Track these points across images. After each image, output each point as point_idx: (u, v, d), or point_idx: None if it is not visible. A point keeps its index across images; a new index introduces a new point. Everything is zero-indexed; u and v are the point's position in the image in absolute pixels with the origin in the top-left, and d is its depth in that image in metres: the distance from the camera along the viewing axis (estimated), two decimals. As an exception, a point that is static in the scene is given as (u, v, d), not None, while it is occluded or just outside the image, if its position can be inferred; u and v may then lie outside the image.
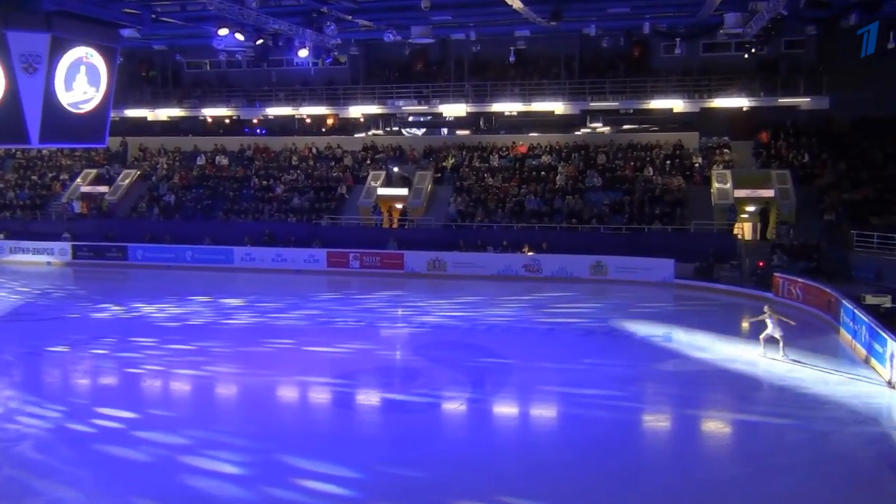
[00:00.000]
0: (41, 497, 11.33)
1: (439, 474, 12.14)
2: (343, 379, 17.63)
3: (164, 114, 41.24)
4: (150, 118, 41.33)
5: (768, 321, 17.75)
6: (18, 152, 43.39)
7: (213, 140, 42.33)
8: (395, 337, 22.86)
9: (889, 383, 15.93)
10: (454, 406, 15.98)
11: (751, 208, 32.23)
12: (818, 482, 11.76)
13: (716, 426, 14.96)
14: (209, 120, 42.74)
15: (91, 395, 17.16)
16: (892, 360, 15.89)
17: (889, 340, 16.15)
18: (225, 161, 40.61)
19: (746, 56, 31.79)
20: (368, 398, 17.09)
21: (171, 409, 15.93)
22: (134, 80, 41.56)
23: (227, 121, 43.07)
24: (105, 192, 39.54)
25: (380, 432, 14.80)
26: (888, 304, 20.29)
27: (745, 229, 31.96)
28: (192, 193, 38.57)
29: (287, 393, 17.28)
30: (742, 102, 33.97)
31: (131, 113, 40.47)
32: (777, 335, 17.67)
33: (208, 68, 42.82)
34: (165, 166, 41.11)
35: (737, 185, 31.60)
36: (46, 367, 19.23)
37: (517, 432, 14.74)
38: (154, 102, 41.16)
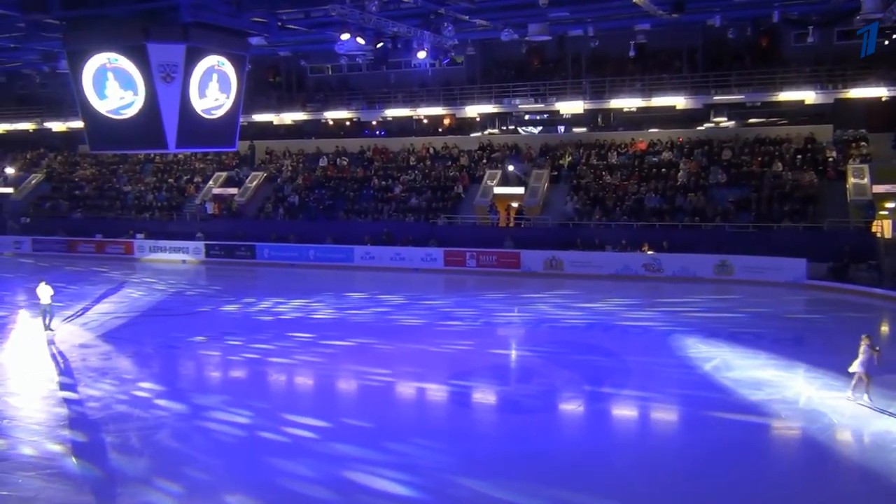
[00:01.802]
0: (183, 481, 11.97)
1: (557, 473, 12.02)
2: (459, 378, 17.74)
3: (288, 118, 42.73)
4: (275, 122, 42.95)
5: (861, 353, 14.63)
6: (157, 157, 46.12)
7: (334, 142, 43.61)
8: (512, 336, 22.81)
9: None
10: (573, 407, 15.78)
11: (891, 204, 30.22)
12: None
13: (849, 437, 14.10)
14: (331, 122, 43.99)
15: (224, 388, 17.99)
16: None
17: None
18: (346, 162, 41.73)
19: (886, 42, 29.76)
20: (485, 396, 17.12)
21: (300, 403, 16.51)
22: (261, 85, 43.34)
23: (348, 123, 44.20)
24: (234, 194, 41.45)
25: (492, 430, 14.81)
26: None
27: (884, 226, 29.95)
28: (315, 194, 39.84)
29: (404, 389, 17.57)
30: (880, 92, 31.78)
31: (258, 117, 42.21)
32: (861, 371, 14.56)
33: (330, 72, 44.08)
34: (290, 168, 42.65)
35: (875, 180, 29.74)
36: (183, 360, 20.32)
37: (637, 435, 14.40)
38: (279, 107, 42.72)
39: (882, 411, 14.30)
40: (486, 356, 19.89)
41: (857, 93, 32.05)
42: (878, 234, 28.80)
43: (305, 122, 43.42)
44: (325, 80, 44.14)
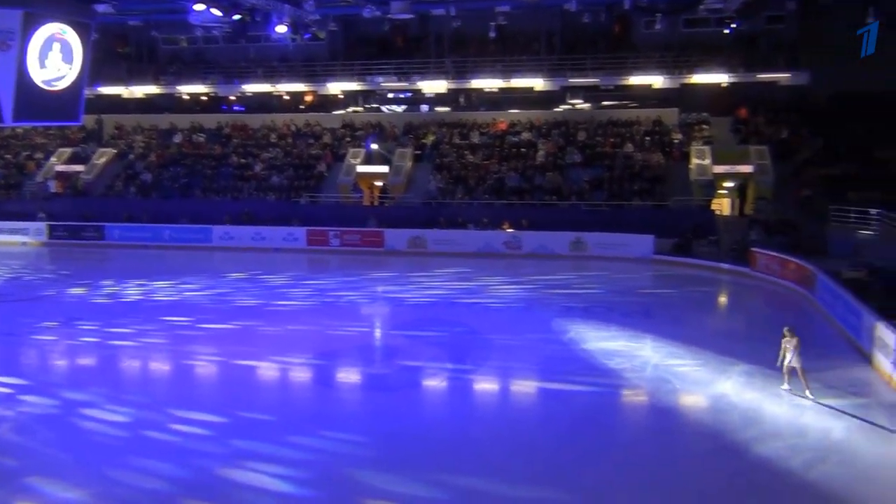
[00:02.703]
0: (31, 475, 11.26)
1: (420, 450, 12.18)
2: (323, 358, 17.59)
3: (139, 91, 40.70)
4: (125, 95, 40.79)
5: (788, 349, 14.28)
6: (-9, 131, 42.72)
7: (189, 118, 41.86)
8: (375, 314, 22.83)
9: (866, 356, 16.15)
10: (435, 382, 16.01)
11: (729, 184, 32.42)
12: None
13: (692, 400, 15.10)
14: (186, 97, 42.20)
15: (70, 377, 17.00)
16: (869, 334, 16.10)
17: (865, 314, 16.36)
18: (202, 139, 40.20)
19: (727, 31, 31.80)
20: (349, 376, 17.07)
21: (139, 389, 15.86)
22: (108, 56, 40.84)
23: (204, 98, 42.56)
24: (80, 171, 39.05)
25: (359, 409, 14.82)
26: (865, 278, 20.53)
27: (723, 205, 32.18)
28: (170, 172, 38.17)
29: (266, 372, 17.23)
30: (722, 78, 34.03)
31: (106, 90, 39.87)
32: (797, 365, 14.20)
33: (185, 45, 42.24)
34: (142, 144, 40.64)
35: (716, 161, 31.77)
36: (21, 349, 19.00)
37: (500, 408, 14.81)
38: (129, 79, 40.57)
39: (721, 372, 15.38)
40: (350, 336, 19.79)
41: (700, 78, 34.12)
42: (718, 212, 30.88)
43: (158, 96, 41.46)
44: (179, 53, 42.24)
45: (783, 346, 14.25)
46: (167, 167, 38.57)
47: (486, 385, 15.96)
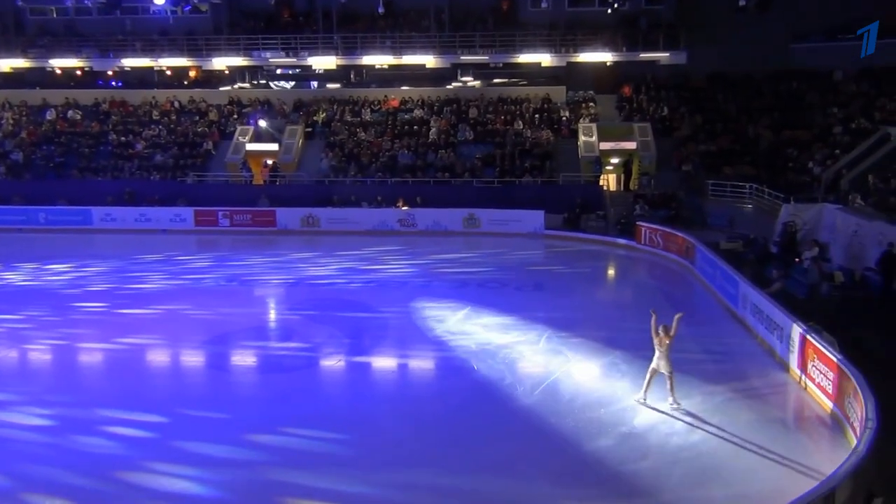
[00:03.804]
0: None
1: (321, 430, 12.13)
2: (215, 344, 17.17)
3: (5, 64, 38.14)
4: (-10, 69, 38.15)
5: (660, 349, 12.56)
6: None
7: (63, 93, 39.48)
8: (269, 296, 22.45)
9: (739, 320, 17.16)
10: (333, 362, 15.93)
11: (615, 160, 33.46)
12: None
13: (585, 367, 15.62)
14: (58, 71, 39.79)
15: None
16: (744, 301, 17.10)
17: (740, 282, 17.36)
18: (78, 116, 38.07)
19: (609, 11, 32.68)
20: (244, 358, 16.74)
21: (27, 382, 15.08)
22: (-31, 27, 38.09)
23: (79, 72, 40.27)
24: (-58, 150, 36.29)
25: (258, 392, 14.59)
26: (740, 249, 21.75)
27: (609, 180, 33.19)
28: (43, 151, 36.01)
29: (158, 357, 16.67)
30: (606, 57, 34.97)
31: (-32, 63, 37.19)
32: (665, 370, 12.55)
33: (55, 15, 39.77)
34: (11, 121, 38.10)
35: (602, 138, 32.68)
36: None
37: (395, 385, 14.91)
38: (-6, 52, 37.93)
39: (609, 342, 15.96)
40: (244, 317, 19.39)
41: (585, 57, 34.95)
42: (605, 187, 31.87)
43: (27, 70, 38.94)
44: (48, 24, 39.74)
45: (656, 343, 12.59)
46: (40, 146, 36.36)
47: (382, 363, 16.00)
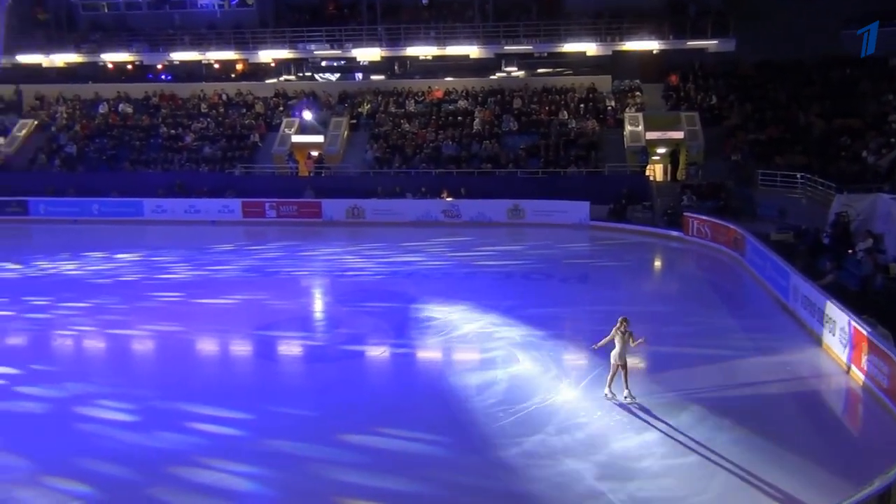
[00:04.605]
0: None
1: (367, 418, 12.23)
2: (264, 330, 17.41)
3: (59, 59, 39.10)
4: (45, 64, 39.14)
5: (617, 340, 12.40)
6: None
7: (115, 87, 40.38)
8: (316, 285, 22.68)
9: (787, 310, 16.83)
10: (378, 353, 16.04)
11: (662, 150, 33.01)
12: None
13: (631, 361, 15.47)
14: (110, 66, 40.67)
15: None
16: (795, 294, 16.76)
17: (792, 274, 17.01)
18: (129, 109, 38.87)
19: (657, -1, 32.19)
20: (289, 348, 16.96)
21: (69, 366, 15.49)
22: (25, 23, 39.03)
23: (130, 67, 41.10)
24: (0, 144, 37.38)
25: (304, 381, 14.78)
26: (791, 240, 21.29)
27: (656, 171, 32.78)
28: (96, 143, 36.89)
29: (202, 346, 16.99)
30: (652, 45, 34.49)
31: (24, 59, 38.19)
32: (622, 362, 12.42)
33: (106, 10, 40.61)
34: (65, 115, 39.09)
35: (648, 128, 32.26)
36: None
37: (440, 375, 14.93)
38: (48, 47, 38.89)
39: (655, 334, 15.74)
40: (290, 307, 19.64)
41: (631, 45, 34.51)
42: (651, 178, 31.46)
43: (80, 64, 39.90)
44: (100, 19, 40.63)
45: (615, 333, 12.35)
46: (93, 139, 37.24)
47: (427, 354, 16.06)
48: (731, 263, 22.69)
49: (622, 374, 12.54)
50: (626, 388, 12.61)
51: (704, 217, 25.59)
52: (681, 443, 11.18)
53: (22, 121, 38.64)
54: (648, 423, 11.84)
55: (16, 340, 17.38)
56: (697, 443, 11.15)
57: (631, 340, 12.34)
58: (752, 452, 10.79)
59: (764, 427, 11.58)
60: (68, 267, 24.29)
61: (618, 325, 12.41)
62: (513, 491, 10.00)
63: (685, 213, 26.56)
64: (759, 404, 12.63)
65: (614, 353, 12.46)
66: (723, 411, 12.13)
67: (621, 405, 12.44)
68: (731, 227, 23.44)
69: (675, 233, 26.61)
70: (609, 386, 12.74)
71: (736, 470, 10.34)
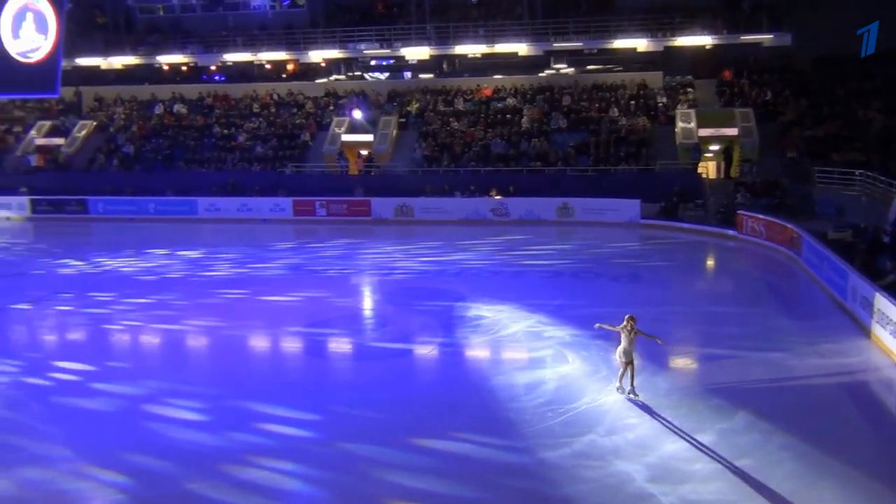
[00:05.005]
0: (18, 453, 11.23)
1: (412, 416, 12.28)
2: (313, 327, 17.62)
3: (117, 62, 40.14)
4: (103, 66, 40.22)
5: (623, 338, 12.50)
6: (-33, 105, 42.01)
7: (170, 88, 41.32)
8: (365, 284, 22.86)
9: (849, 315, 16.39)
10: (426, 351, 16.10)
11: (715, 147, 32.46)
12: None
13: (683, 362, 15.27)
14: (165, 67, 41.61)
15: (56, 351, 16.89)
16: (853, 294, 16.31)
17: (850, 274, 16.56)
18: (184, 110, 39.72)
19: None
20: (339, 345, 17.12)
21: (136, 362, 15.80)
22: (84, 27, 40.17)
23: (184, 68, 41.99)
24: (61, 145, 38.56)
25: (352, 378, 14.90)
26: (849, 239, 20.72)
27: (709, 168, 32.25)
28: (152, 143, 37.78)
29: (257, 342, 17.25)
30: (705, 40, 33.93)
31: (83, 61, 39.33)
32: (622, 361, 12.60)
33: (161, 13, 41.54)
34: (122, 116, 40.11)
35: (700, 124, 31.75)
36: (10, 325, 18.90)
37: (488, 374, 14.91)
38: (106, 50, 39.95)
39: (708, 335, 15.49)
40: (338, 305, 19.83)
41: (683, 41, 34.01)
42: (704, 175, 30.95)
43: (137, 66, 40.92)
44: (155, 22, 41.56)
45: (621, 330, 12.50)
46: (149, 139, 38.15)
47: (475, 353, 16.05)
48: (787, 263, 22.20)
49: (630, 371, 12.62)
50: (632, 385, 12.66)
51: (759, 215, 25.09)
52: (734, 446, 10.96)
53: (82, 122, 39.80)
54: (701, 425, 11.64)
55: (82, 336, 17.90)
56: (751, 446, 10.92)
57: (641, 336, 12.45)
58: (806, 458, 10.53)
59: (820, 432, 11.30)
60: (131, 263, 24.87)
61: (624, 322, 12.54)
62: (562, 492, 9.93)
63: (739, 212, 26.08)
64: (814, 408, 12.33)
65: (619, 350, 12.61)
66: (777, 415, 11.87)
67: (673, 405, 12.26)
68: (787, 225, 22.93)
69: (728, 231, 26.14)
70: (620, 381, 12.85)
71: (789, 475, 10.10)
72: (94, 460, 10.97)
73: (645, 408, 12.33)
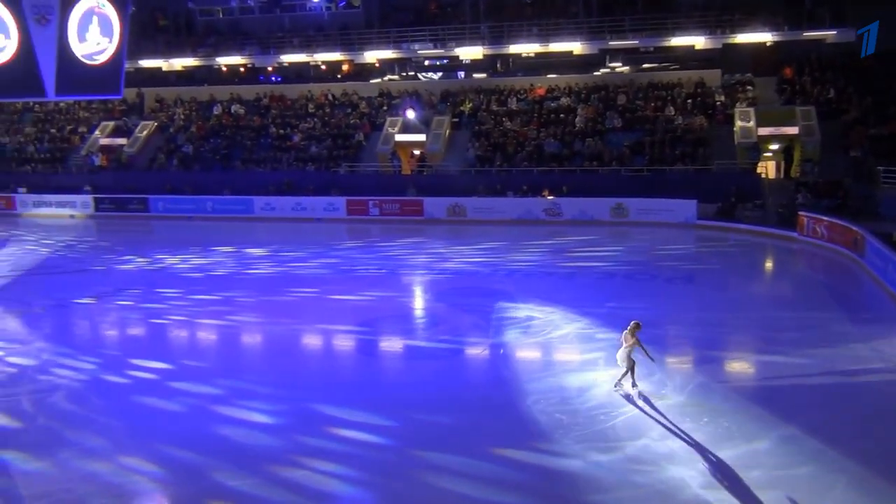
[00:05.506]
0: (75, 447, 11.57)
1: (465, 419, 12.27)
2: (366, 326, 17.76)
3: (178, 63, 41.04)
4: (164, 68, 41.18)
5: (624, 342, 12.92)
6: (36, 106, 43.41)
7: (228, 89, 42.07)
8: (417, 283, 22.94)
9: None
10: (477, 352, 16.08)
11: (774, 146, 31.68)
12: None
13: (740, 366, 14.95)
14: (224, 69, 42.42)
15: (122, 347, 17.36)
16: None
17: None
18: (241, 110, 40.41)
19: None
20: (392, 345, 17.22)
21: (201, 360, 16.13)
22: (146, 29, 41.21)
23: (242, 69, 42.72)
24: (123, 145, 39.60)
25: (404, 378, 14.96)
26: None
27: (768, 168, 31.49)
28: (210, 143, 38.53)
29: (312, 341, 17.46)
30: (765, 37, 33.10)
31: (146, 63, 40.33)
32: (624, 365, 12.94)
33: (221, 15, 42.34)
34: (182, 117, 41.01)
35: (760, 123, 31.01)
36: (76, 320, 19.51)
37: (540, 376, 14.82)
38: (168, 52, 40.88)
39: (766, 341, 15.12)
40: (391, 305, 19.94)
41: (743, 38, 33.25)
42: (763, 175, 30.25)
43: (197, 68, 41.78)
44: (215, 24, 42.38)
45: (625, 339, 12.83)
46: (207, 139, 38.93)
47: (527, 353, 15.97)
48: (850, 265, 21.56)
49: (630, 373, 12.91)
50: (621, 381, 12.98)
51: (821, 216, 24.42)
52: (792, 453, 10.70)
53: (143, 122, 40.82)
54: (758, 431, 11.38)
55: (143, 331, 18.37)
56: (809, 455, 10.65)
57: (637, 344, 12.68)
58: (867, 468, 10.21)
59: (882, 442, 10.96)
60: (197, 261, 25.39)
61: (630, 328, 12.82)
62: (615, 497, 9.81)
63: (800, 213, 25.43)
64: (877, 417, 11.95)
65: (619, 354, 12.96)
66: (838, 423, 11.56)
67: (729, 411, 12.01)
68: (851, 226, 22.27)
69: (788, 233, 25.50)
70: (632, 383, 12.99)
71: (851, 485, 9.82)
72: (146, 454, 11.25)
73: (701, 413, 12.12)
